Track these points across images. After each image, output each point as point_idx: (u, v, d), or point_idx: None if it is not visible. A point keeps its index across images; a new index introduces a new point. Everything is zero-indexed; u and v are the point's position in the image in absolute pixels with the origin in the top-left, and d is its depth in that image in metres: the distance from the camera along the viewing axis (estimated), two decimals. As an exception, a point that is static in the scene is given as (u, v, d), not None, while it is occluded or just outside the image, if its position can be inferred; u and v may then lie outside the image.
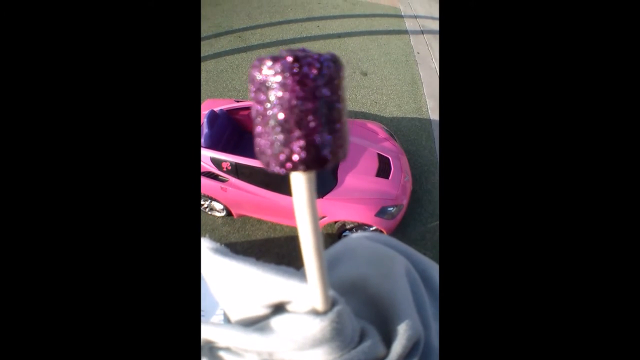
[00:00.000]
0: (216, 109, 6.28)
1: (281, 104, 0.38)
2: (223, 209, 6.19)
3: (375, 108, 8.39)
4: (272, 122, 0.39)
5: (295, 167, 0.39)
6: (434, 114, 8.28)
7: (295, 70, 0.37)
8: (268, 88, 0.38)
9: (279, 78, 0.37)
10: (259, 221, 6.40)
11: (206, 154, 5.62)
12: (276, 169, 0.40)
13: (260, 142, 0.40)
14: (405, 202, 5.86)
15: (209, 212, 6.43)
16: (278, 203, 5.62)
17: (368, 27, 11.08)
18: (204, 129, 5.89)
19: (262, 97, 0.39)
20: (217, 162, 5.61)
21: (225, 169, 5.63)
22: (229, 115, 6.44)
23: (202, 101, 6.98)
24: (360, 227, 5.73)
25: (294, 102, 0.37)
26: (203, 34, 10.23)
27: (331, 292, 0.49)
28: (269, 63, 0.38)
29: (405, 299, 0.59)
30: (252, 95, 0.39)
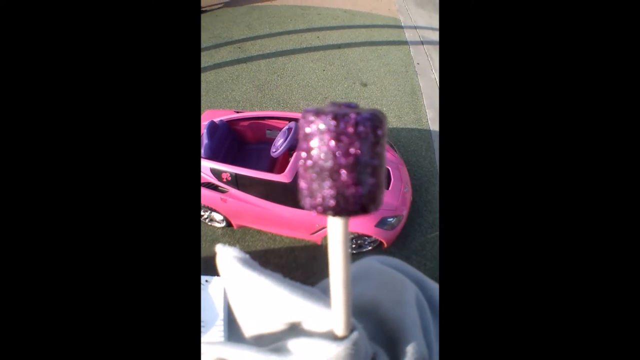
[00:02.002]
0: (216, 120, 6.29)
1: (321, 156, 0.41)
2: (223, 220, 6.18)
3: (375, 119, 8.40)
4: (314, 171, 0.42)
5: (334, 213, 0.43)
6: (433, 124, 8.28)
7: (333, 127, 0.40)
8: (310, 140, 0.42)
9: (319, 133, 0.41)
10: (259, 232, 6.40)
11: (206, 165, 5.62)
12: (316, 211, 0.44)
13: (305, 186, 0.44)
14: (405, 212, 5.86)
15: (209, 223, 6.42)
16: (278, 214, 5.62)
17: (368, 37, 11.13)
18: (204, 140, 5.90)
19: (305, 146, 0.42)
20: (217, 173, 5.61)
21: (225, 180, 5.63)
22: (229, 126, 6.45)
23: (202, 112, 6.98)
24: (360, 237, 5.72)
25: (331, 156, 0.41)
26: (203, 44, 10.26)
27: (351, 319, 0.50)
28: (311, 117, 0.41)
29: (414, 325, 0.60)
30: (300, 143, 0.43)
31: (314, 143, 0.41)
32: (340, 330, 0.49)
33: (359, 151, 0.41)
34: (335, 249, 0.46)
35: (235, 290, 0.58)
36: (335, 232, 0.45)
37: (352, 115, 0.40)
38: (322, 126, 0.40)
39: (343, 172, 0.41)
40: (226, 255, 0.56)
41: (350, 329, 0.50)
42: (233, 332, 0.61)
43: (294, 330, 0.54)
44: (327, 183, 0.41)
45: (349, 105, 0.43)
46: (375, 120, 0.41)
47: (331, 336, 0.50)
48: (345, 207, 0.42)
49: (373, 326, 0.61)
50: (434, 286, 0.70)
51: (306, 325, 0.53)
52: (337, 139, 0.40)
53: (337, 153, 0.41)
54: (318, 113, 0.41)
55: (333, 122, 0.40)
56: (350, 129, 0.40)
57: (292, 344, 0.51)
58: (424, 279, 0.70)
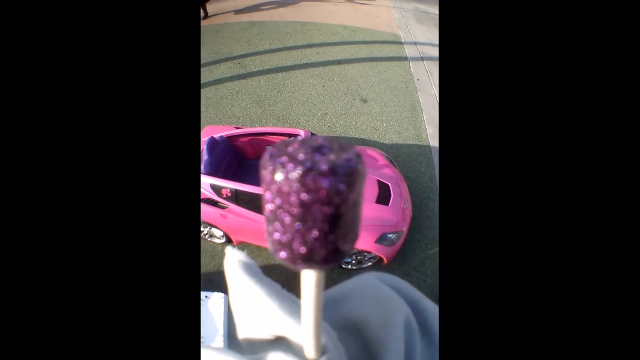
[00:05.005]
0: (216, 136, 6.30)
1: (275, 205, 0.38)
2: (223, 236, 6.17)
3: (375, 135, 8.41)
4: (270, 217, 0.39)
5: (286, 261, 0.40)
6: (433, 140, 8.29)
7: (287, 180, 0.37)
8: (267, 184, 0.38)
9: (274, 181, 0.37)
10: (259, 248, 6.37)
11: (206, 181, 5.62)
12: (291, 264, 0.41)
13: (273, 237, 0.41)
14: (405, 228, 5.84)
15: (209, 239, 6.40)
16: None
17: (368, 54, 11.18)
18: (204, 156, 5.90)
19: (265, 189, 0.39)
20: (217, 189, 5.60)
21: (225, 196, 5.62)
22: (229, 142, 6.46)
23: (202, 128, 6.99)
24: (360, 253, 5.70)
25: (283, 208, 0.38)
26: (203, 60, 10.29)
27: (323, 340, 0.50)
28: (269, 162, 0.38)
29: (397, 351, 0.59)
30: (263, 189, 0.39)
31: (270, 189, 0.38)
32: (310, 354, 0.49)
33: (312, 205, 0.37)
34: (309, 302, 0.45)
35: (235, 294, 0.58)
36: (310, 284, 0.44)
37: (312, 166, 0.36)
38: (277, 175, 0.37)
39: (293, 225, 0.38)
40: (233, 258, 0.57)
41: (322, 353, 0.50)
42: (233, 346, 0.61)
43: (278, 343, 0.55)
44: (276, 232, 0.39)
45: (320, 148, 0.38)
46: (338, 173, 0.36)
47: (305, 356, 0.50)
48: (295, 260, 0.40)
49: (358, 346, 0.61)
50: (431, 309, 0.69)
51: (289, 341, 0.54)
52: (290, 193, 0.37)
53: (289, 206, 0.37)
54: (277, 158, 0.37)
55: (287, 173, 0.36)
56: (306, 183, 0.36)
57: (272, 357, 0.52)
58: (421, 301, 0.69)
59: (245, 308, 0.58)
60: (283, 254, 0.40)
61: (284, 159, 0.37)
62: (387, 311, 0.63)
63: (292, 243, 0.39)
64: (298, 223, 0.38)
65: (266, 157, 0.38)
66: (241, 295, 0.57)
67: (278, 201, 0.38)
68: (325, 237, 0.38)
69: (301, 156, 0.37)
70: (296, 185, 0.36)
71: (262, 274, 0.57)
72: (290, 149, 0.38)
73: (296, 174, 0.36)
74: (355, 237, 0.42)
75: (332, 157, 0.37)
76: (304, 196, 0.36)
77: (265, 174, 0.38)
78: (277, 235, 0.40)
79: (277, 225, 0.39)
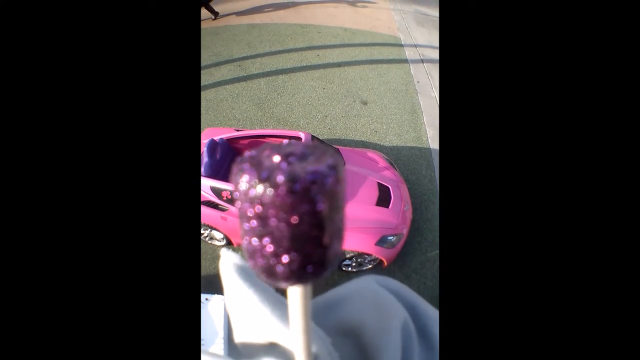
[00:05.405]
0: (216, 138, 6.29)
1: (245, 217, 0.36)
2: (223, 238, 6.15)
3: (375, 137, 8.40)
4: (242, 229, 0.37)
5: (268, 280, 0.38)
6: (433, 142, 8.28)
7: (252, 191, 0.34)
8: (244, 201, 0.35)
9: (241, 191, 0.35)
10: (257, 250, 6.37)
11: (206, 183, 5.60)
12: (269, 280, 0.38)
13: (249, 254, 0.38)
14: (405, 231, 5.84)
15: (209, 241, 6.39)
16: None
17: (368, 56, 11.16)
18: (204, 158, 5.89)
19: (242, 208, 0.36)
20: (217, 191, 5.59)
21: (225, 198, 5.61)
22: (229, 144, 6.45)
23: (202, 130, 6.99)
24: (360, 255, 5.70)
25: (252, 221, 0.35)
26: (203, 63, 10.28)
27: (315, 349, 0.50)
28: (236, 170, 0.35)
29: (393, 356, 0.59)
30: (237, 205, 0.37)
31: (239, 200, 0.35)
32: None
33: (267, 219, 0.34)
34: (292, 306, 0.42)
35: (230, 297, 0.58)
36: (296, 300, 0.41)
37: (267, 177, 0.33)
38: (237, 181, 0.35)
39: (252, 236, 0.36)
40: (227, 261, 0.57)
41: (314, 358, 0.49)
42: (233, 349, 0.61)
43: (272, 348, 0.55)
44: (243, 240, 0.37)
45: (288, 156, 0.35)
46: (295, 187, 0.32)
47: None
48: (259, 272, 0.37)
49: (355, 348, 0.61)
50: (430, 313, 0.68)
51: (280, 346, 0.54)
52: (244, 202, 0.35)
53: (247, 216, 0.35)
54: (243, 163, 0.35)
55: (241, 182, 0.34)
56: (258, 195, 0.33)
57: None
58: (420, 305, 0.68)
59: (240, 311, 0.57)
60: (250, 263, 0.38)
61: (246, 165, 0.35)
62: (384, 316, 0.63)
63: (255, 254, 0.37)
64: (255, 235, 0.36)
65: (237, 160, 0.36)
66: (235, 299, 0.57)
67: (241, 209, 0.35)
68: (287, 253, 0.35)
69: (266, 163, 0.34)
70: (250, 195, 0.34)
71: (256, 276, 0.56)
72: (263, 154, 0.35)
73: (247, 183, 0.34)
74: (328, 258, 0.37)
75: (297, 167, 0.34)
76: (258, 208, 0.34)
77: (231, 178, 0.36)
78: (243, 243, 0.38)
79: (242, 232, 0.37)
